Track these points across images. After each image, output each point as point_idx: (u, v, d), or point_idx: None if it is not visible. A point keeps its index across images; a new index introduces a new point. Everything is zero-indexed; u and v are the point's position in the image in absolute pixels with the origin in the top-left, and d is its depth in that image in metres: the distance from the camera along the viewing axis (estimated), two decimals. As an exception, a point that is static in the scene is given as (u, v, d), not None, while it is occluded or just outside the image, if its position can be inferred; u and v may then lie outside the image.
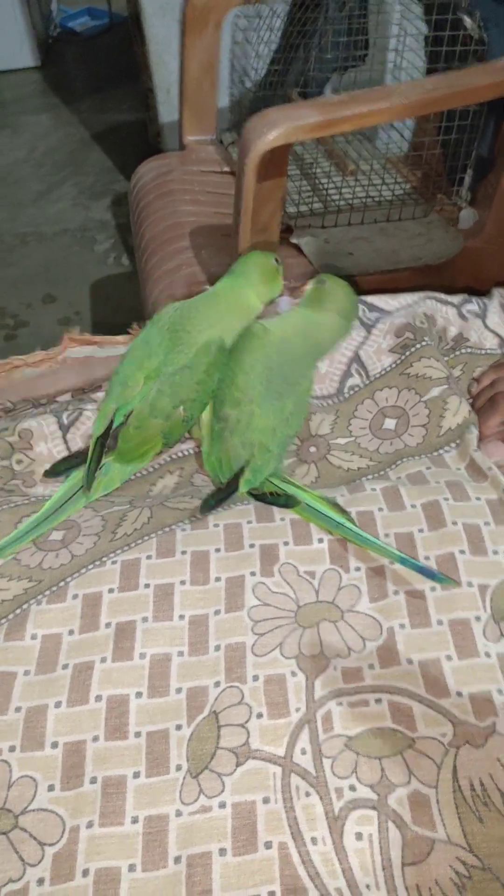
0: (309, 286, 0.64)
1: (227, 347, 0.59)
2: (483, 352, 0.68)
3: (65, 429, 0.63)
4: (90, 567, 0.52)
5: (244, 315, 0.61)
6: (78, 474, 0.57)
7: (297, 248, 1.11)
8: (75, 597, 0.50)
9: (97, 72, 3.08)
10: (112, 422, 0.57)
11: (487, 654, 0.47)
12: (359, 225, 1.13)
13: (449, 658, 0.47)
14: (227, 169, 1.27)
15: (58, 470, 0.58)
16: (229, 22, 1.22)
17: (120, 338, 0.68)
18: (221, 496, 0.56)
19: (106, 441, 0.57)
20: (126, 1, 2.09)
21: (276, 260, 0.64)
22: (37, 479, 0.61)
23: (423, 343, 0.65)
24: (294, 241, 1.10)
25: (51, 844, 0.41)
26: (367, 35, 1.24)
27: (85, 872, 0.40)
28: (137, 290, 1.20)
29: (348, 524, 0.52)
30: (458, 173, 1.13)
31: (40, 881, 0.39)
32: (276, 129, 0.80)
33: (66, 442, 0.63)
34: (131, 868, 0.40)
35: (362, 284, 1.02)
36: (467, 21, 1.01)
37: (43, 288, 1.93)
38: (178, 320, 0.59)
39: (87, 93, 2.94)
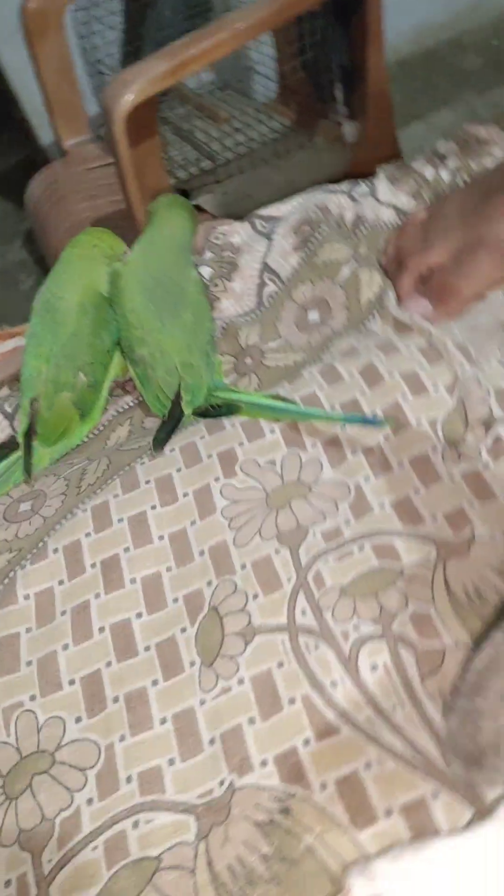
0: None
1: (105, 298, 0.60)
2: (382, 226, 0.69)
3: (10, 417, 0.65)
4: (63, 522, 0.53)
5: (99, 262, 0.62)
6: (8, 461, 0.59)
7: (200, 208, 1.13)
8: (56, 551, 0.51)
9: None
10: (32, 414, 0.59)
11: (451, 477, 0.48)
12: (251, 170, 1.14)
13: (417, 491, 0.48)
14: (111, 160, 1.28)
15: None
16: (69, 19, 1.23)
17: (38, 320, 0.69)
18: (169, 427, 0.57)
19: (31, 433, 0.58)
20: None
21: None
22: None
23: (322, 230, 0.66)
24: (194, 203, 1.11)
25: (90, 767, 0.42)
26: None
27: (129, 779, 0.41)
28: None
29: (291, 406, 0.54)
30: (329, 90, 1.15)
31: (89, 801, 0.40)
32: (131, 87, 0.82)
33: (13, 429, 0.64)
34: (171, 762, 0.41)
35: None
36: None
37: (-18, 339, 1.93)
38: (47, 298, 0.61)
39: (-30, 149, 2.94)
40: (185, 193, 1.12)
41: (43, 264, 2.13)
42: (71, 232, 1.15)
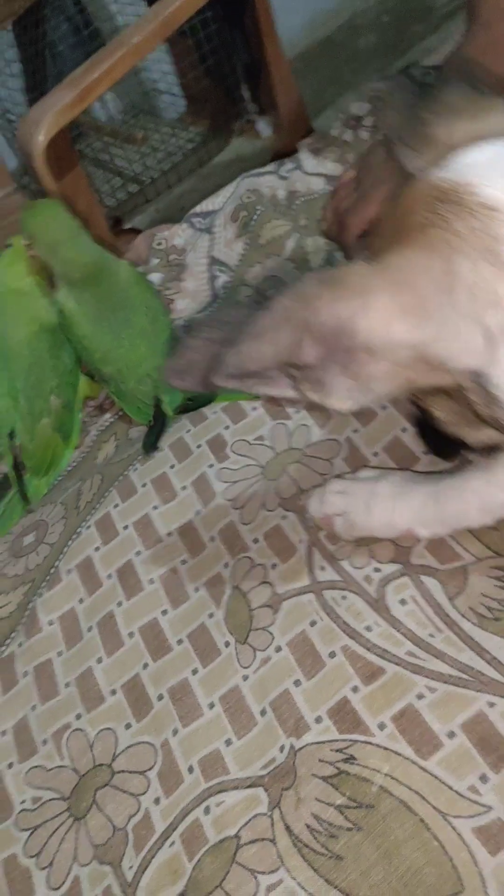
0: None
1: (54, 324, 0.59)
2: (315, 195, 0.70)
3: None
4: (70, 543, 0.53)
5: (34, 295, 0.60)
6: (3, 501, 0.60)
7: (136, 230, 1.14)
8: (69, 572, 0.51)
9: None
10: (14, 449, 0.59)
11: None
12: (178, 184, 1.16)
13: (404, 430, 0.48)
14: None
15: None
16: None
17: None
18: (156, 431, 0.57)
19: (19, 468, 0.59)
20: None
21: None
22: None
23: (259, 212, 0.67)
24: (128, 226, 1.12)
25: (150, 769, 0.41)
26: (94, 21, 1.28)
27: (190, 769, 0.40)
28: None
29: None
30: (235, 92, 1.17)
31: (156, 801, 0.40)
32: (42, 122, 0.83)
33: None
34: (228, 742, 0.40)
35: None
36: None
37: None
38: None
39: None
40: (118, 220, 1.13)
41: None
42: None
